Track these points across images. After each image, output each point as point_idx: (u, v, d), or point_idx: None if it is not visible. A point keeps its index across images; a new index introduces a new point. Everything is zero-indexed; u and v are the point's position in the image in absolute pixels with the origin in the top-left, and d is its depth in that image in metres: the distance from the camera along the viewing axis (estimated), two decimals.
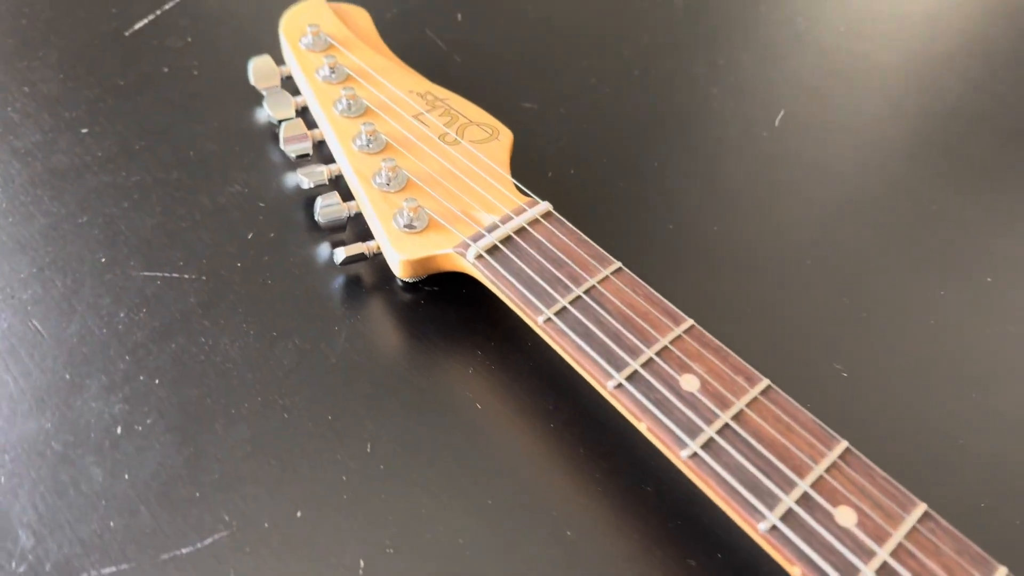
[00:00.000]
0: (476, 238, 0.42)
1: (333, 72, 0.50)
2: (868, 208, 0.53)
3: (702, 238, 0.51)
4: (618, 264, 0.41)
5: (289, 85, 0.54)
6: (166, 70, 0.56)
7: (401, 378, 0.43)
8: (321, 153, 0.51)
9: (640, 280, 0.41)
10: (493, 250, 0.42)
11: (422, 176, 0.46)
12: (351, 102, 0.49)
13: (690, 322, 0.39)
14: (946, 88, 0.61)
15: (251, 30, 0.60)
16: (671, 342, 0.38)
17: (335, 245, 0.48)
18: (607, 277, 0.41)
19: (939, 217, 0.53)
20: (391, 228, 0.44)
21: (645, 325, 0.39)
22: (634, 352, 0.38)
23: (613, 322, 0.39)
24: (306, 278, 0.47)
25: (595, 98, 0.58)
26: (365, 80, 0.51)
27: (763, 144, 0.56)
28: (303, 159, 0.50)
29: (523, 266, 0.41)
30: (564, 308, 0.39)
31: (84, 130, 0.52)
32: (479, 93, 0.58)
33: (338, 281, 0.47)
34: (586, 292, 0.40)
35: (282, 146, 0.50)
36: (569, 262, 0.41)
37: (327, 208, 0.46)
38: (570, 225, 0.43)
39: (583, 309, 0.39)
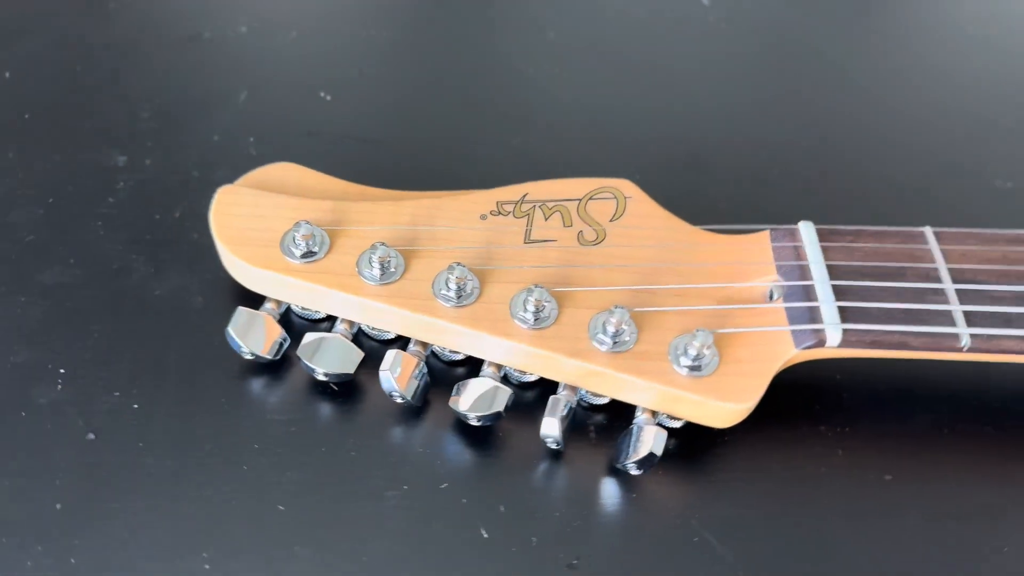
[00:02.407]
0: (802, 317, 0.32)
1: (389, 266, 0.33)
2: None
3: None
4: (926, 228, 0.34)
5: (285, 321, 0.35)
6: (91, 439, 0.33)
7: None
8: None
9: (955, 229, 0.34)
10: (844, 314, 0.32)
11: (636, 299, 0.33)
12: (462, 285, 0.33)
13: None
14: None
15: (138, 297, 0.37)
16: None
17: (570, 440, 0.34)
18: (942, 250, 0.33)
19: None
20: (688, 382, 0.31)
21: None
22: None
23: (1002, 288, 0.33)
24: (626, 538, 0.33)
25: (602, 83, 0.47)
26: (434, 243, 0.34)
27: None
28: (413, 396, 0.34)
29: (883, 305, 0.32)
30: (967, 313, 0.32)
31: None
32: (481, 166, 0.44)
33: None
34: (955, 280, 0.33)
35: (397, 393, 0.33)
36: (899, 264, 0.33)
37: (552, 424, 0.32)
38: (846, 227, 0.34)
39: (973, 298, 0.32)
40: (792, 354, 0.32)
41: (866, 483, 0.34)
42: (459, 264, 0.33)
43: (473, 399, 0.33)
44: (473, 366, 0.35)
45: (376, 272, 0.33)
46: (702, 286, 0.34)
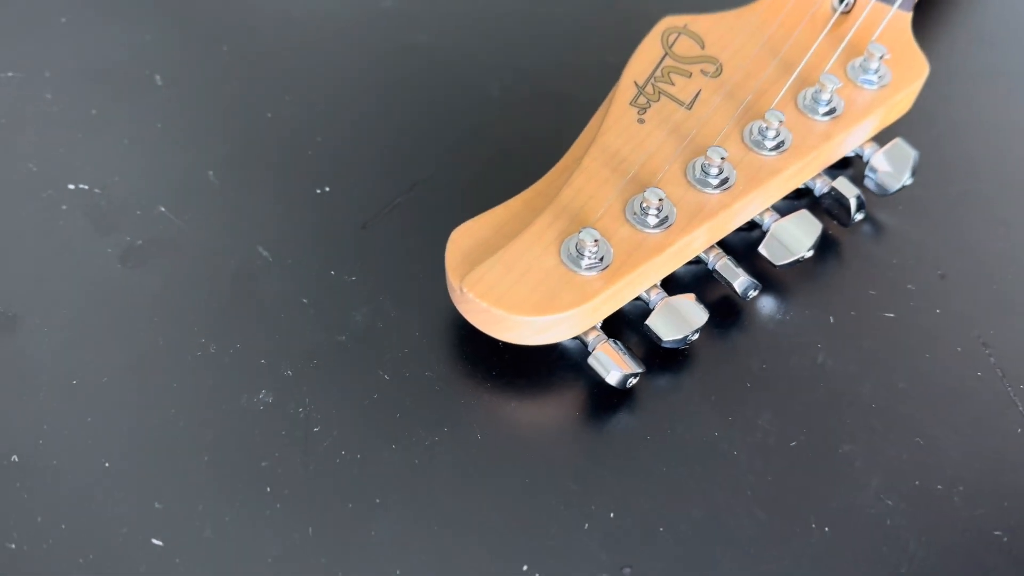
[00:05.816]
0: None
1: (664, 205, 0.31)
2: None
3: None
4: None
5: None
6: None
7: None
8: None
9: None
10: None
11: (803, 79, 0.35)
12: (720, 167, 0.32)
13: None
14: None
15: None
16: None
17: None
18: None
19: None
20: (890, 90, 0.35)
21: None
22: None
23: None
24: None
25: None
26: (648, 166, 0.33)
27: None
28: None
29: None
30: None
31: None
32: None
33: None
34: None
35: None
36: None
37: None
38: None
39: None
40: (909, 16, 0.37)
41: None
42: (715, 147, 0.32)
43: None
44: None
45: (655, 219, 0.31)
46: (819, 40, 0.37)
